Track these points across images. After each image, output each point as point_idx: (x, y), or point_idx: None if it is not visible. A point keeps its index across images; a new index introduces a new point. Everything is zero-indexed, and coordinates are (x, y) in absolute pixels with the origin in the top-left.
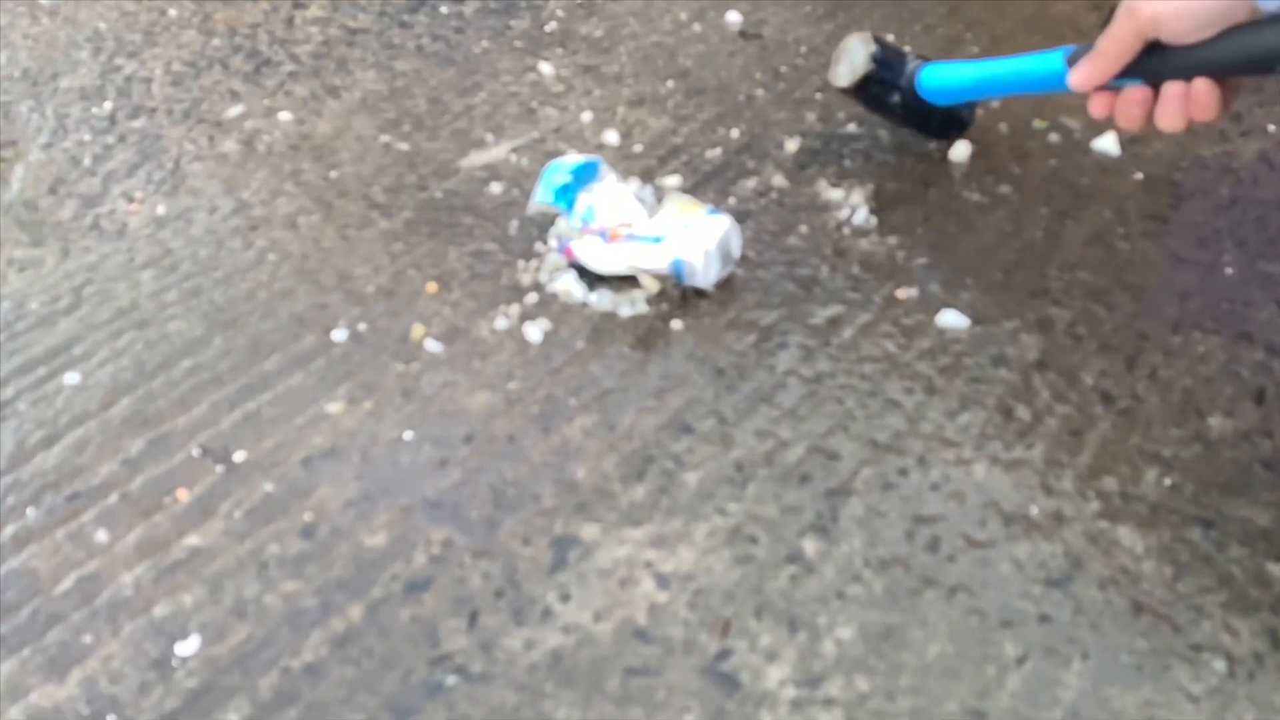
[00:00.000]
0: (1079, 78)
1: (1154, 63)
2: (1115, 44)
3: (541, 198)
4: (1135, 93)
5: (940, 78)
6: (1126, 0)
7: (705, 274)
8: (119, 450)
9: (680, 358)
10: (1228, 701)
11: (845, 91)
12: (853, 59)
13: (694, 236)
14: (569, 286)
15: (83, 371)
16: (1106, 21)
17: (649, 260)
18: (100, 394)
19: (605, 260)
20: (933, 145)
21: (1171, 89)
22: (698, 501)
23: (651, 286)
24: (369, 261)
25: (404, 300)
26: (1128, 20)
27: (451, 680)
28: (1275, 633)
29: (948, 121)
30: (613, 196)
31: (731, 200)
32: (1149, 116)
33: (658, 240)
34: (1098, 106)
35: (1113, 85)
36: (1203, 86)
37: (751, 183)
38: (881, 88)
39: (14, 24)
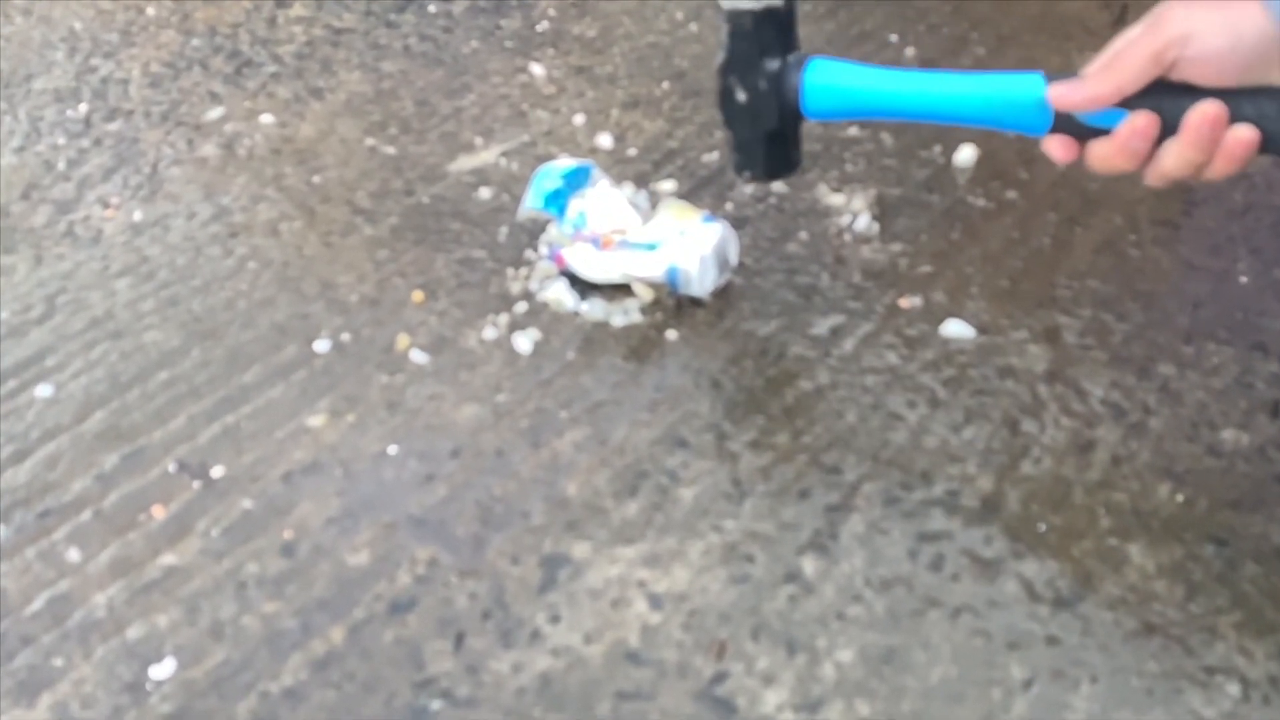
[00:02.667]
0: (1074, 94)
1: (1155, 97)
2: (1128, 61)
3: (532, 203)
4: (1142, 119)
5: (840, 79)
6: (1150, 17)
7: (701, 282)
8: (92, 465)
9: (675, 369)
10: None
11: (737, 18)
12: None
13: (690, 243)
14: (560, 295)
15: (55, 384)
16: (1119, 20)
17: (643, 268)
18: (73, 407)
19: (598, 268)
20: (936, 150)
21: (1202, 121)
22: (693, 519)
23: (645, 295)
24: (353, 269)
25: (389, 309)
26: (1151, 35)
27: (436, 705)
28: None
29: (780, 150)
30: (605, 202)
31: (729, 206)
32: (1149, 154)
33: (652, 247)
34: (1062, 151)
35: (1095, 120)
36: (1247, 134)
37: (749, 188)
38: (758, 49)
39: None
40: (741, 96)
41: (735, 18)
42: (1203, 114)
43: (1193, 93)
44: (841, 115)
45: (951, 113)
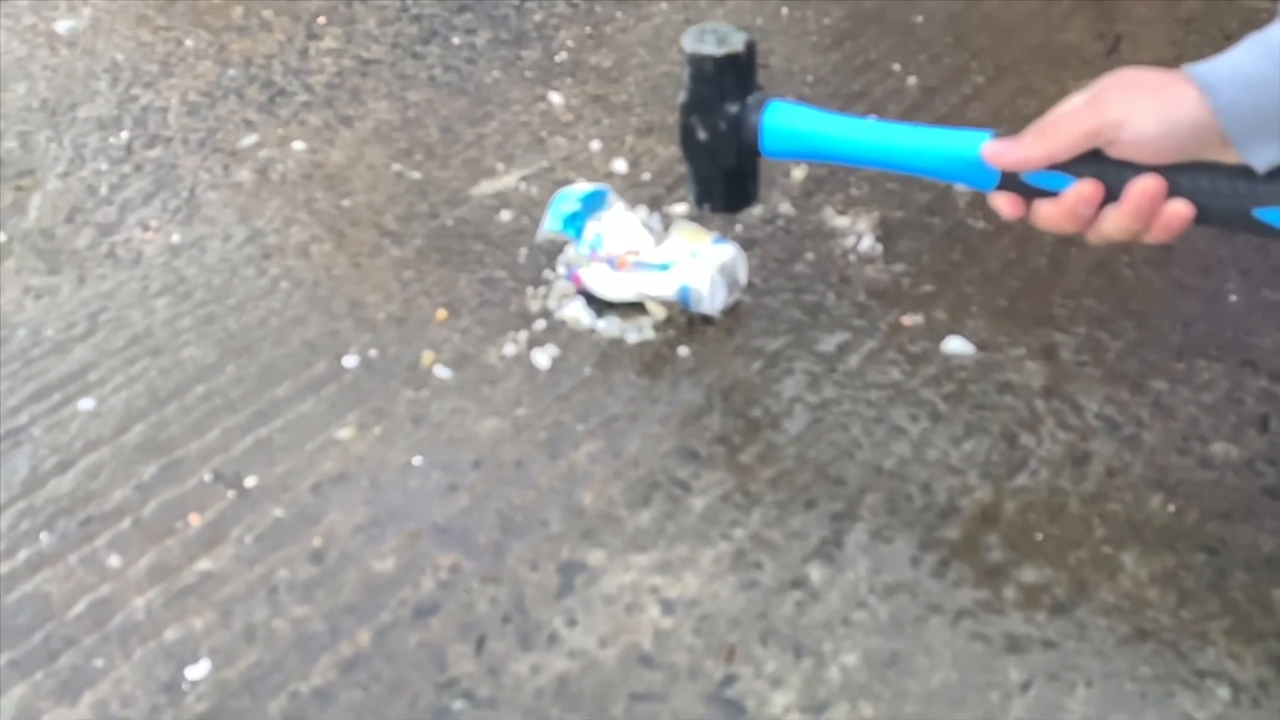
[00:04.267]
0: (1007, 153)
1: (1099, 166)
2: (1063, 131)
3: (550, 225)
4: (1088, 187)
5: (797, 123)
6: (1092, 89)
7: (712, 300)
8: (132, 476)
9: (687, 384)
10: None
11: (698, 63)
12: (727, 34)
13: (701, 264)
14: (577, 313)
15: (97, 398)
16: (1113, 50)
17: (656, 287)
18: (114, 420)
19: (613, 287)
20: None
21: (1142, 195)
22: (703, 527)
23: (659, 313)
24: (380, 289)
25: (414, 327)
26: (1089, 113)
27: (459, 705)
28: (1279, 660)
29: (738, 186)
30: (620, 224)
31: (738, 228)
32: (1093, 219)
33: (665, 267)
34: (1008, 207)
35: (1040, 182)
36: (1183, 208)
37: (758, 210)
38: (719, 92)
39: (33, 55)
40: (702, 135)
41: (697, 61)
42: (1143, 188)
43: (1135, 166)
44: (797, 156)
45: (902, 163)
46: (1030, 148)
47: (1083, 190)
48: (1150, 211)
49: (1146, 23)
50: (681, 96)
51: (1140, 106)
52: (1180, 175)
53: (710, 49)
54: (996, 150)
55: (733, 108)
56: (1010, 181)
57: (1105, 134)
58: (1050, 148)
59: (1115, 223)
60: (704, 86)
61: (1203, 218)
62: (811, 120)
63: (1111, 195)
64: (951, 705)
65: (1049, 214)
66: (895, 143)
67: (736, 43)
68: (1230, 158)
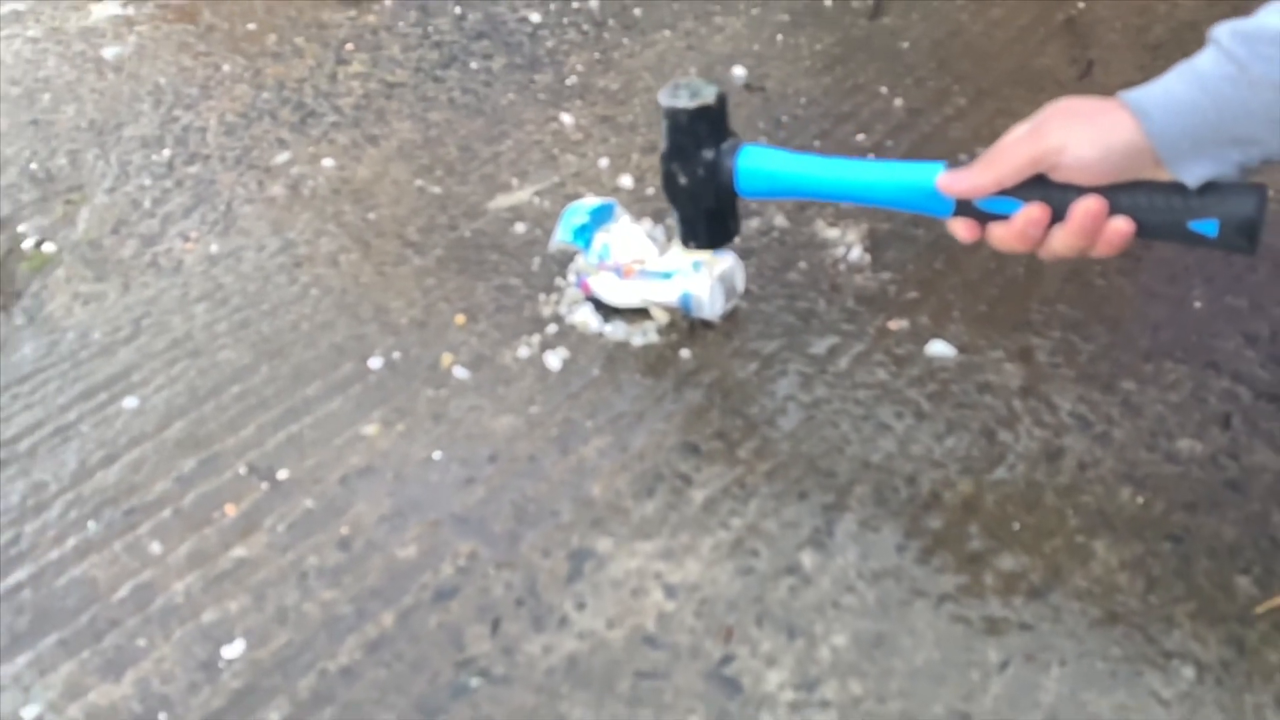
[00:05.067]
0: (958, 182)
1: (1045, 189)
2: (1007, 159)
3: (561, 237)
4: (1036, 210)
5: (768, 164)
6: (1034, 119)
7: (712, 306)
8: (173, 469)
9: (688, 384)
10: (1196, 706)
11: (674, 115)
12: (699, 88)
13: (702, 272)
14: (586, 318)
15: (140, 396)
16: (1085, 74)
17: (660, 294)
18: (156, 417)
19: (619, 294)
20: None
21: (1085, 215)
22: (704, 517)
23: (662, 318)
24: (403, 295)
25: (435, 331)
26: (1031, 141)
27: (476, 682)
28: (1241, 641)
29: (719, 224)
30: (627, 235)
31: (736, 239)
32: (1042, 239)
33: (668, 276)
34: (965, 231)
35: (992, 207)
36: (1124, 225)
37: (755, 222)
38: (695, 141)
39: (82, 79)
40: (683, 180)
41: (673, 115)
42: (1086, 208)
43: (1078, 188)
44: (770, 195)
45: (865, 197)
46: (979, 176)
47: (1031, 213)
48: (1094, 229)
49: (1117, 49)
50: (662, 146)
51: (1078, 133)
52: (1120, 194)
53: (684, 103)
54: (949, 181)
55: (709, 154)
56: (965, 208)
57: (1047, 160)
58: (997, 175)
59: (1063, 241)
60: (681, 136)
61: (1142, 232)
62: (781, 161)
63: (1058, 216)
64: (934, 683)
65: (1002, 236)
66: (858, 178)
67: (708, 95)
68: (1164, 176)
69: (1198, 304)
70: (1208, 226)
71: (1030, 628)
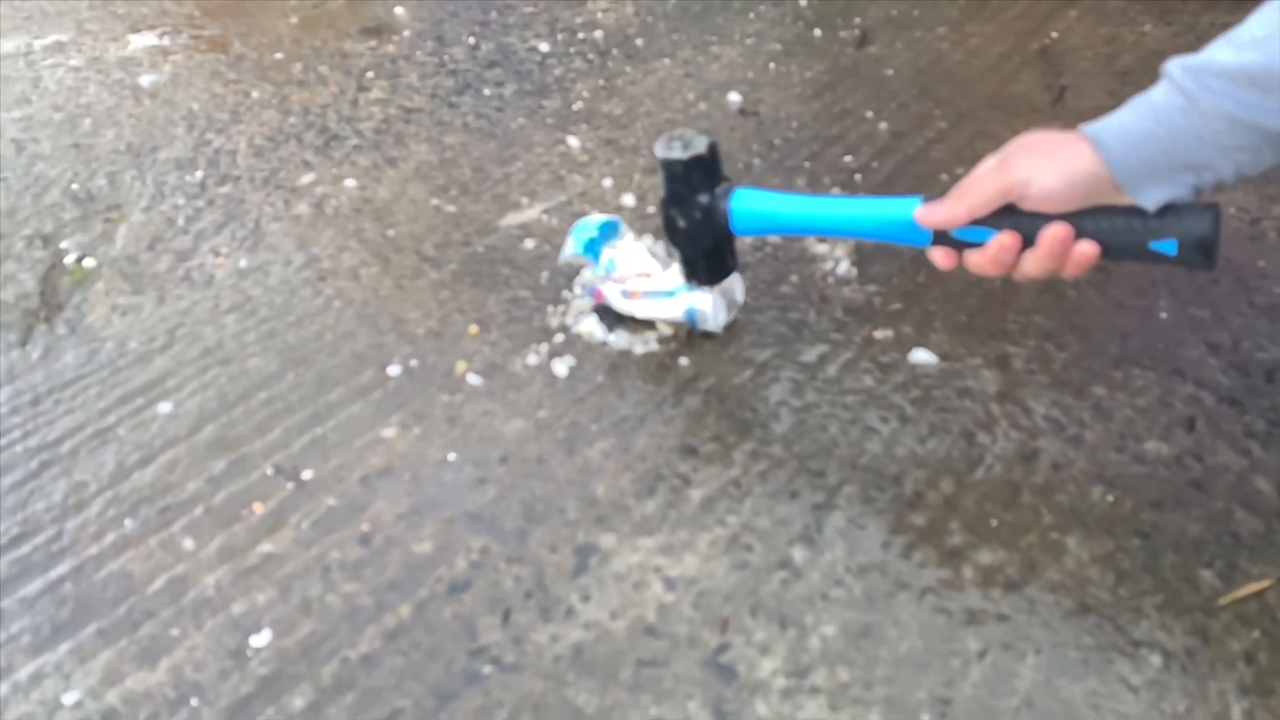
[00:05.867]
0: (934, 215)
1: (1015, 218)
2: (977, 192)
3: (573, 250)
4: (1008, 238)
5: (760, 205)
6: (1001, 153)
7: (715, 319)
8: (204, 470)
9: (687, 390)
10: (1163, 692)
11: (670, 166)
12: (691, 139)
13: (704, 289)
14: (591, 328)
15: (174, 402)
16: (1059, 99)
17: (666, 311)
18: (189, 421)
19: (628, 306)
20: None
21: (1053, 240)
22: (701, 514)
23: (663, 329)
24: (420, 307)
25: (450, 340)
26: (999, 175)
27: (487, 669)
28: (1205, 631)
29: (718, 262)
30: (630, 252)
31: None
32: (1014, 264)
33: (671, 294)
34: (943, 259)
35: (967, 236)
36: (1089, 248)
37: (749, 240)
38: (690, 188)
39: (120, 105)
40: (682, 224)
41: (669, 165)
42: (1053, 234)
43: (1045, 216)
44: (763, 232)
45: (850, 230)
46: (953, 209)
47: (1003, 241)
48: (1062, 253)
49: (1088, 75)
50: (661, 194)
51: (1042, 166)
52: (1084, 219)
53: (678, 154)
54: (925, 214)
55: (704, 199)
56: (942, 238)
57: (1015, 191)
58: (969, 207)
59: (1034, 264)
60: (678, 184)
61: (1107, 253)
62: (772, 202)
63: (1028, 242)
64: (917, 670)
65: (977, 262)
66: (842, 214)
67: (700, 146)
68: (1124, 200)
69: (1164, 315)
70: (1167, 246)
71: (1007, 618)
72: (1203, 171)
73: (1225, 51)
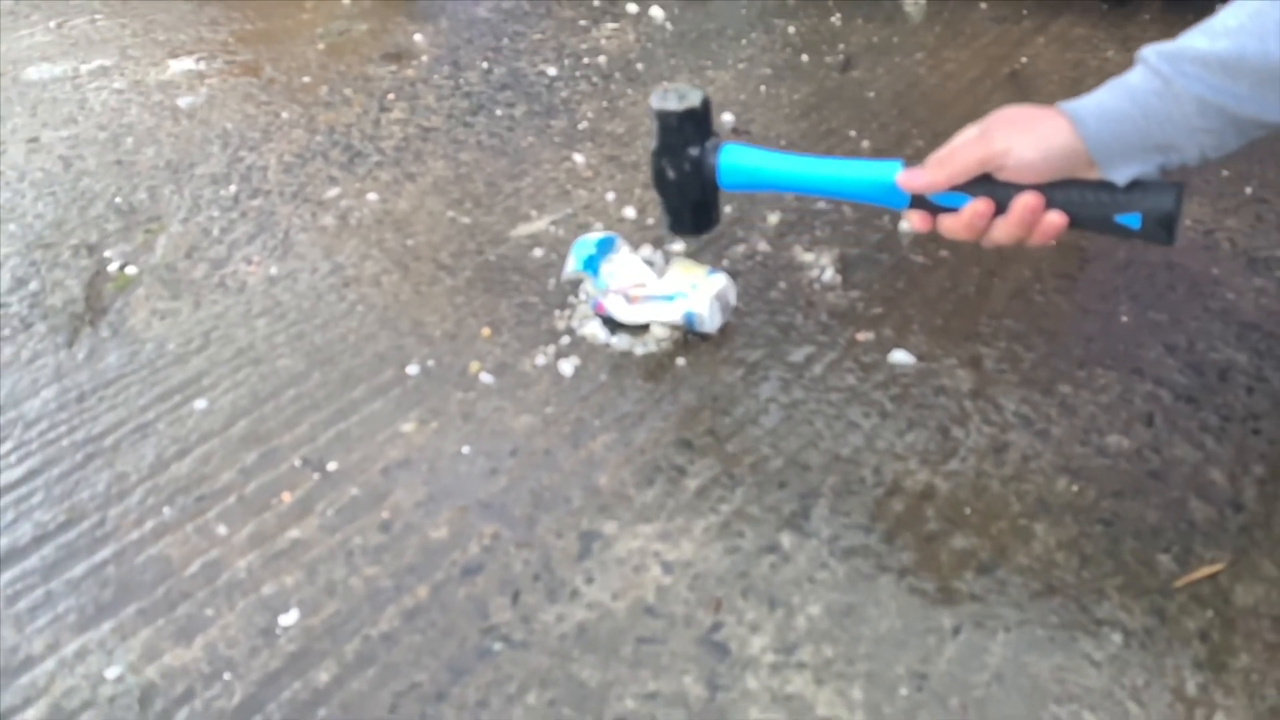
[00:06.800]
0: (915, 179)
1: (990, 186)
2: (958, 160)
3: (574, 267)
4: (982, 204)
5: (747, 161)
6: (982, 124)
7: (711, 322)
8: (237, 461)
9: (684, 388)
10: (1124, 667)
11: (665, 117)
12: (686, 92)
13: (701, 293)
14: (595, 331)
15: (209, 399)
16: None
17: (665, 314)
18: (223, 417)
19: (629, 314)
20: (885, 220)
21: (1025, 209)
22: (696, 503)
23: (661, 333)
24: (437, 311)
25: (464, 342)
26: (979, 144)
27: (498, 647)
28: (1163, 611)
29: (704, 214)
30: (626, 264)
31: (725, 262)
32: (986, 230)
33: (670, 298)
34: (919, 222)
35: (944, 200)
36: (1058, 218)
37: (741, 248)
38: (682, 139)
39: (159, 125)
40: (671, 175)
41: (663, 116)
42: (1025, 203)
43: (1019, 185)
44: (749, 188)
45: (833, 190)
46: (933, 175)
47: (977, 207)
48: (1032, 221)
49: (1055, 98)
50: (652, 144)
51: (1022, 138)
52: (1055, 191)
53: (673, 105)
54: (907, 178)
55: (694, 151)
56: (919, 201)
57: (994, 161)
58: (949, 174)
59: (1004, 231)
60: (670, 135)
61: (1074, 224)
62: (759, 158)
63: (1000, 209)
64: (896, 647)
65: (951, 226)
66: (826, 174)
67: (694, 99)
68: (1095, 175)
69: (1125, 318)
70: (1132, 220)
71: (979, 599)
72: (1170, 152)
73: (1200, 40)
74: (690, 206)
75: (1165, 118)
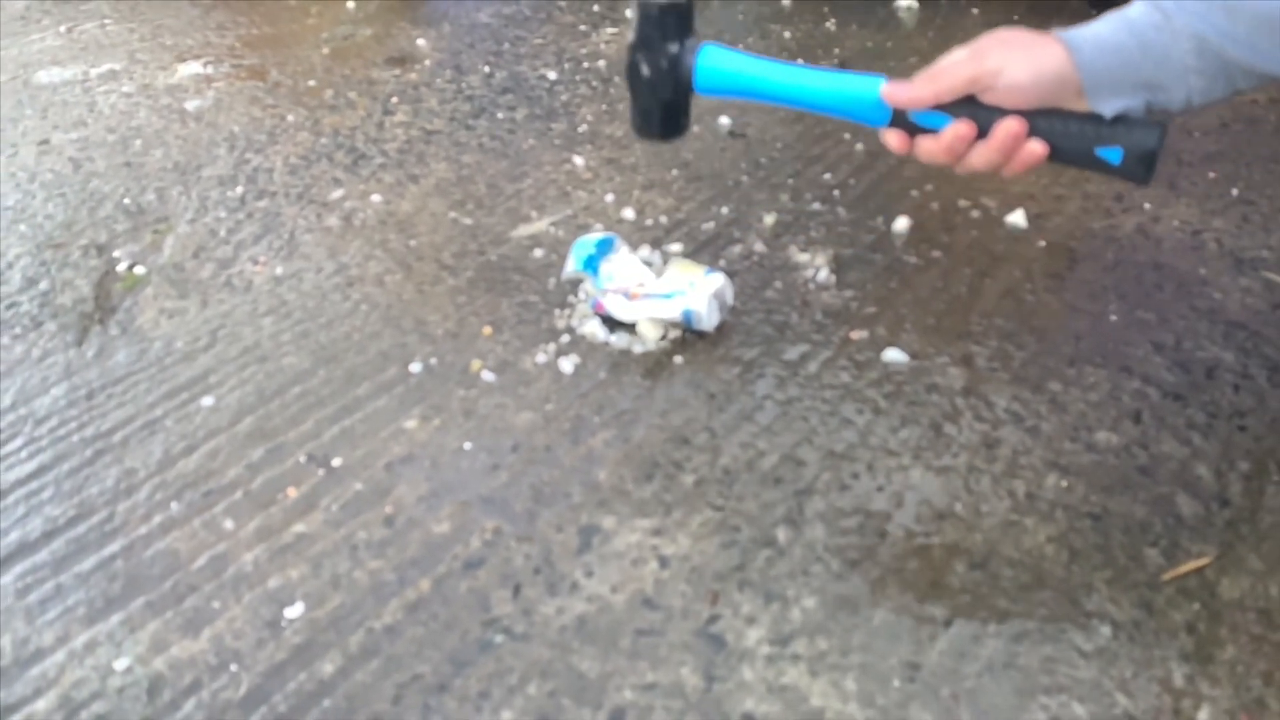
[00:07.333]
0: (900, 92)
1: (973, 108)
2: (948, 76)
3: (573, 267)
4: (964, 126)
5: (726, 64)
6: (974, 44)
7: (709, 320)
8: (243, 457)
9: (681, 385)
10: (1112, 659)
11: (646, 8)
12: None
13: (698, 291)
14: (594, 330)
15: (216, 396)
16: None
17: (664, 312)
18: (229, 414)
19: (628, 311)
20: (879, 220)
21: (1006, 134)
22: (694, 498)
23: (653, 335)
24: (439, 310)
25: (466, 340)
26: (971, 61)
27: (499, 639)
28: (1150, 604)
29: (673, 117)
30: (625, 263)
31: (722, 262)
32: (965, 154)
33: (669, 296)
34: (896, 141)
35: (924, 121)
36: (1038, 147)
37: (737, 249)
38: (661, 35)
39: (168, 128)
40: (646, 71)
41: (644, 8)
42: (1007, 128)
43: (1002, 110)
44: (726, 93)
45: (811, 102)
46: (920, 89)
47: (959, 129)
48: (1013, 148)
49: None
50: (630, 38)
51: (1015, 58)
52: (1039, 118)
53: None
54: (892, 90)
55: (673, 48)
56: (899, 120)
57: (984, 81)
58: (936, 90)
59: (982, 156)
60: (649, 29)
61: (1055, 155)
62: (738, 62)
63: (981, 134)
64: (890, 639)
65: (930, 149)
66: (806, 84)
67: None
68: (1081, 107)
69: (1114, 317)
70: (1113, 154)
71: (971, 592)
72: (1158, 91)
73: None
74: (661, 107)
75: (1161, 54)
